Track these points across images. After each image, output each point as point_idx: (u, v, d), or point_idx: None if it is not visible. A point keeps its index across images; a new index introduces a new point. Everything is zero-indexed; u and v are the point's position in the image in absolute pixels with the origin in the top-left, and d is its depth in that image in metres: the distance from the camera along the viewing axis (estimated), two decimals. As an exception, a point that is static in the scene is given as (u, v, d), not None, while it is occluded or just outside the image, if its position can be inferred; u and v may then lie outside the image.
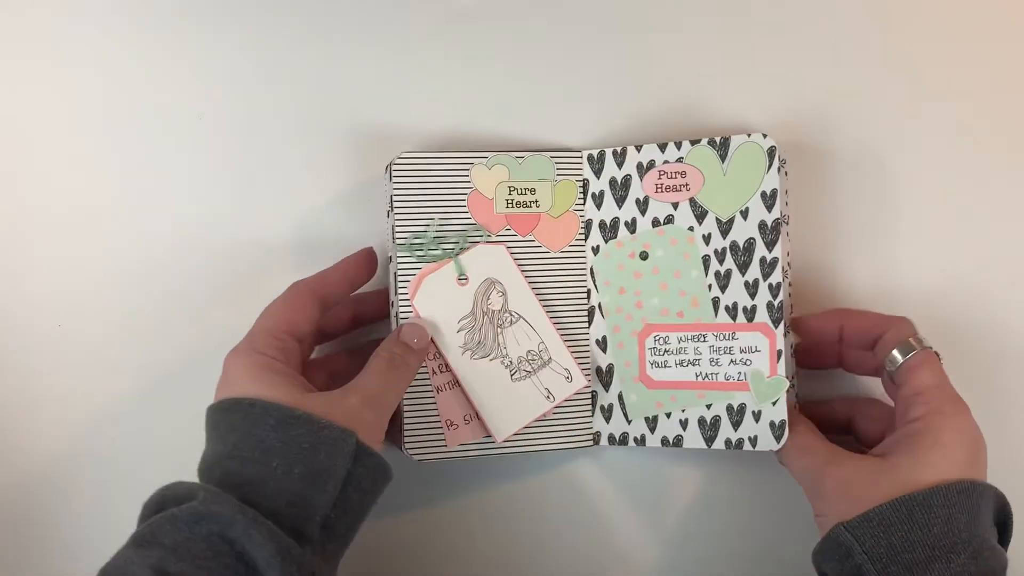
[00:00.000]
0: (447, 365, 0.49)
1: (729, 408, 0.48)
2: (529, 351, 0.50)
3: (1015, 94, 0.51)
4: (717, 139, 0.48)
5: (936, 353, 0.45)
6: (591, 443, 0.51)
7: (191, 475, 0.52)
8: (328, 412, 0.42)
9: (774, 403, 0.47)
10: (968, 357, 0.50)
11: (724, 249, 0.48)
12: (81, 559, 0.51)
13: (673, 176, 0.49)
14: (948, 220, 0.51)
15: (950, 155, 0.51)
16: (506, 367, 0.50)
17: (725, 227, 0.48)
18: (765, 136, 0.47)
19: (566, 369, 0.50)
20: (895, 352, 0.45)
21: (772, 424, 0.47)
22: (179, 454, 0.52)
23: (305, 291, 0.47)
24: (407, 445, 0.49)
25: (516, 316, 0.50)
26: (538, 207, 0.50)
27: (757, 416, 0.47)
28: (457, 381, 0.49)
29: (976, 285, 0.51)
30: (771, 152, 0.47)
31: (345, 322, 0.51)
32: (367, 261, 0.50)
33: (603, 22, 0.52)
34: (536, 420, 0.50)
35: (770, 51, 0.51)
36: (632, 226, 0.50)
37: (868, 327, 0.47)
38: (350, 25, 0.52)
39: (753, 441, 0.48)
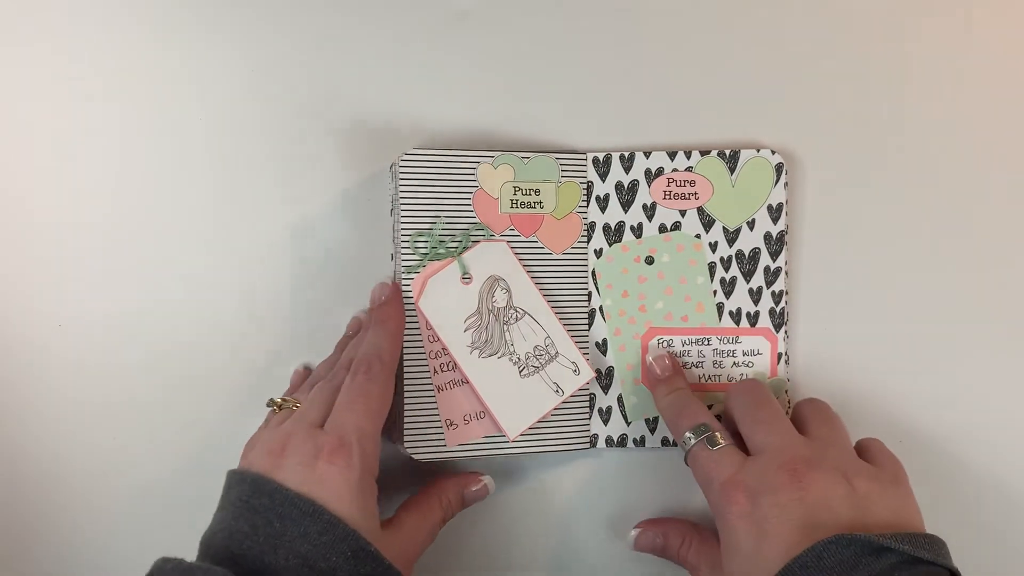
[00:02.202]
0: (448, 364, 0.49)
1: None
2: (536, 346, 0.50)
3: (1017, 109, 0.55)
4: (727, 151, 0.50)
5: (712, 439, 0.44)
6: (588, 446, 0.51)
7: (191, 476, 0.50)
8: (387, 550, 0.41)
9: (775, 404, 0.50)
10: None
11: (730, 257, 0.51)
12: (81, 559, 0.50)
13: (682, 184, 0.51)
14: (944, 234, 0.54)
15: (947, 170, 0.54)
16: (514, 364, 0.49)
17: (732, 236, 0.51)
18: (774, 153, 0.50)
19: (573, 362, 0.50)
20: (682, 446, 0.46)
21: (774, 425, 0.49)
22: (180, 454, 0.51)
23: (391, 375, 0.45)
24: (407, 444, 0.48)
25: (521, 312, 0.50)
26: (542, 208, 0.51)
27: (759, 417, 0.50)
28: (462, 380, 0.49)
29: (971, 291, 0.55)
30: (779, 168, 0.50)
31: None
32: (401, 307, 0.49)
33: (604, 25, 0.53)
34: (547, 415, 0.50)
35: (774, 61, 0.54)
36: (638, 231, 0.51)
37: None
38: (353, 25, 0.51)
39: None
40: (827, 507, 0.39)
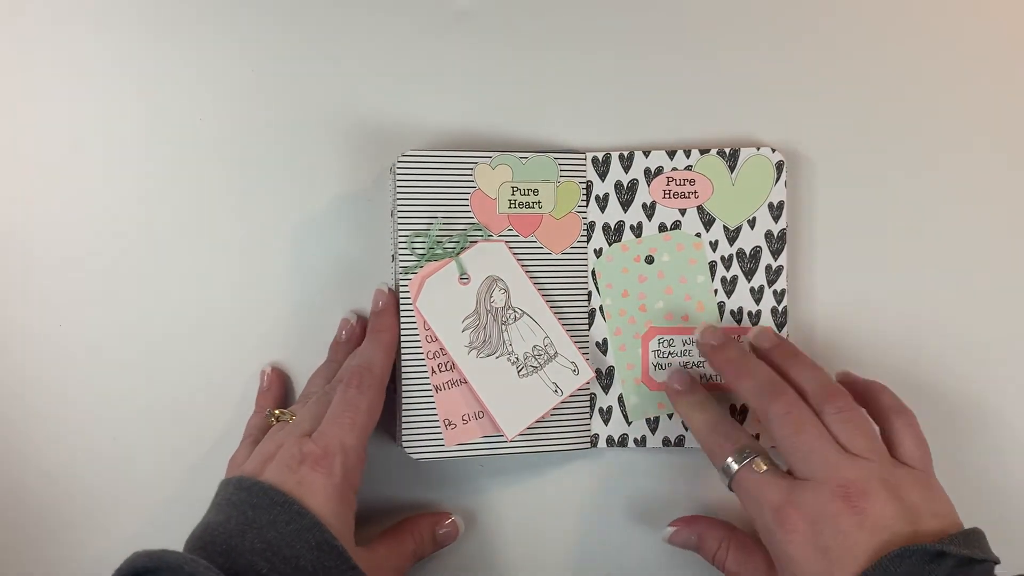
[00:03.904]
0: (447, 364, 0.49)
1: (732, 408, 0.50)
2: (535, 346, 0.49)
3: (1020, 106, 0.54)
4: (727, 150, 0.50)
5: (760, 459, 0.44)
6: (589, 445, 0.51)
7: (188, 478, 0.50)
8: (361, 562, 0.42)
9: (777, 404, 0.49)
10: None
11: (731, 256, 0.50)
12: (81, 559, 0.50)
13: (682, 183, 0.50)
14: (944, 231, 0.54)
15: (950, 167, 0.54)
16: (512, 364, 0.49)
17: (732, 235, 0.50)
18: (774, 151, 0.50)
19: (572, 362, 0.50)
20: (723, 471, 0.45)
21: (775, 425, 0.49)
22: (180, 454, 0.51)
23: (382, 388, 0.46)
24: (405, 444, 0.48)
25: (520, 312, 0.50)
26: (541, 208, 0.51)
27: (760, 417, 0.49)
28: (461, 380, 0.49)
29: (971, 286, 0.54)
30: (779, 166, 0.50)
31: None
32: (396, 317, 0.49)
33: (604, 24, 0.53)
34: (546, 415, 0.49)
35: (776, 62, 0.53)
36: (638, 230, 0.51)
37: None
38: (353, 25, 0.51)
39: (755, 439, 0.49)
40: (884, 526, 0.41)
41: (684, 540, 0.50)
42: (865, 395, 0.46)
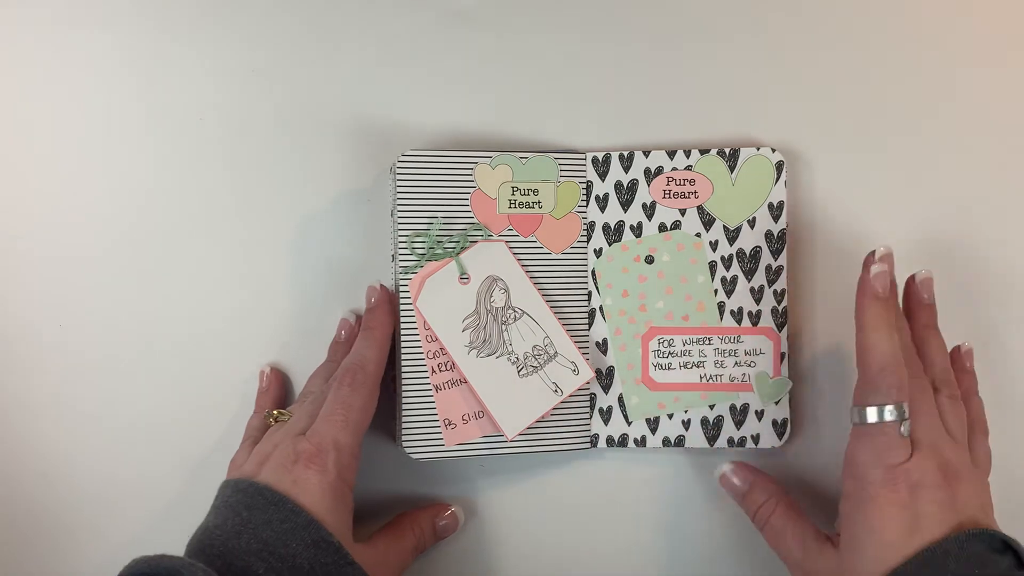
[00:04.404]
0: (447, 364, 0.49)
1: (732, 408, 0.50)
2: (535, 346, 0.49)
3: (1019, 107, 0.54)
4: (727, 150, 0.50)
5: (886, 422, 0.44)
6: (589, 446, 0.51)
7: (189, 479, 0.50)
8: (360, 558, 0.43)
9: (777, 402, 0.49)
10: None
11: (731, 256, 0.50)
12: (80, 559, 0.50)
13: (682, 183, 0.50)
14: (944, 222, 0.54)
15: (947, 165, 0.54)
16: (512, 364, 0.49)
17: (732, 235, 0.50)
18: (774, 151, 0.50)
19: (572, 362, 0.50)
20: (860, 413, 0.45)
21: (775, 422, 0.49)
22: (180, 455, 0.51)
23: (375, 385, 0.46)
24: (405, 443, 0.48)
25: (520, 312, 0.50)
26: (541, 208, 0.51)
27: (760, 415, 0.49)
28: (460, 380, 0.49)
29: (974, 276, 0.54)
30: (779, 166, 0.50)
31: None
32: (395, 312, 0.49)
33: (603, 24, 0.53)
34: (546, 415, 0.49)
35: (776, 62, 0.53)
36: (638, 230, 0.51)
37: None
38: (353, 25, 0.51)
39: (756, 439, 0.49)
40: (968, 513, 0.43)
41: (740, 481, 0.50)
42: (963, 390, 0.48)
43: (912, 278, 0.49)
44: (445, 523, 0.50)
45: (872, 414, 0.43)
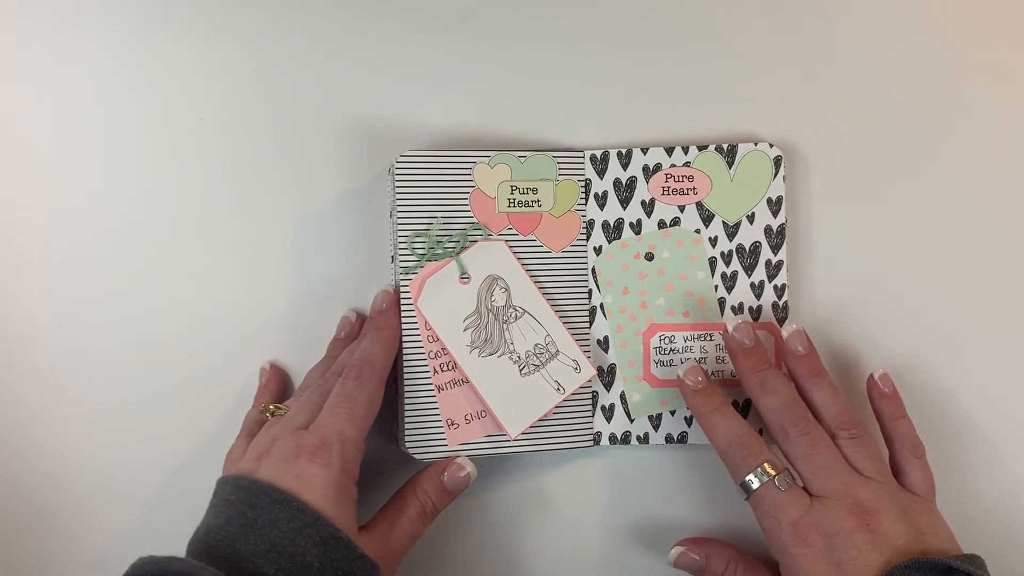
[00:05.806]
0: (449, 364, 0.48)
1: (735, 404, 0.50)
2: (536, 345, 0.49)
3: (1018, 104, 0.54)
4: (725, 146, 0.50)
5: (785, 473, 0.45)
6: (591, 443, 0.51)
7: (191, 475, 0.50)
8: (367, 547, 0.43)
9: (779, 399, 0.49)
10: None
11: (731, 251, 0.50)
12: (80, 559, 0.50)
13: (680, 180, 0.50)
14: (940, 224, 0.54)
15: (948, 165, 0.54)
16: (514, 363, 0.49)
17: (732, 231, 0.50)
18: (772, 146, 0.50)
19: (574, 360, 0.50)
20: (743, 486, 0.45)
21: (778, 419, 0.49)
22: (180, 454, 0.51)
23: (381, 382, 0.46)
24: (408, 444, 0.48)
25: (521, 311, 0.50)
26: (540, 207, 0.51)
27: (763, 411, 0.49)
28: (463, 380, 0.48)
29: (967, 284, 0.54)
30: (777, 161, 0.50)
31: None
32: (398, 316, 0.49)
33: (601, 22, 0.53)
34: (548, 413, 0.49)
35: (773, 57, 0.54)
36: (637, 227, 0.51)
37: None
38: (353, 25, 0.51)
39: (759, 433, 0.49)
40: (894, 544, 0.42)
41: (690, 562, 0.50)
42: (885, 415, 0.48)
43: (780, 334, 0.49)
44: (453, 475, 0.48)
45: (748, 486, 0.45)
